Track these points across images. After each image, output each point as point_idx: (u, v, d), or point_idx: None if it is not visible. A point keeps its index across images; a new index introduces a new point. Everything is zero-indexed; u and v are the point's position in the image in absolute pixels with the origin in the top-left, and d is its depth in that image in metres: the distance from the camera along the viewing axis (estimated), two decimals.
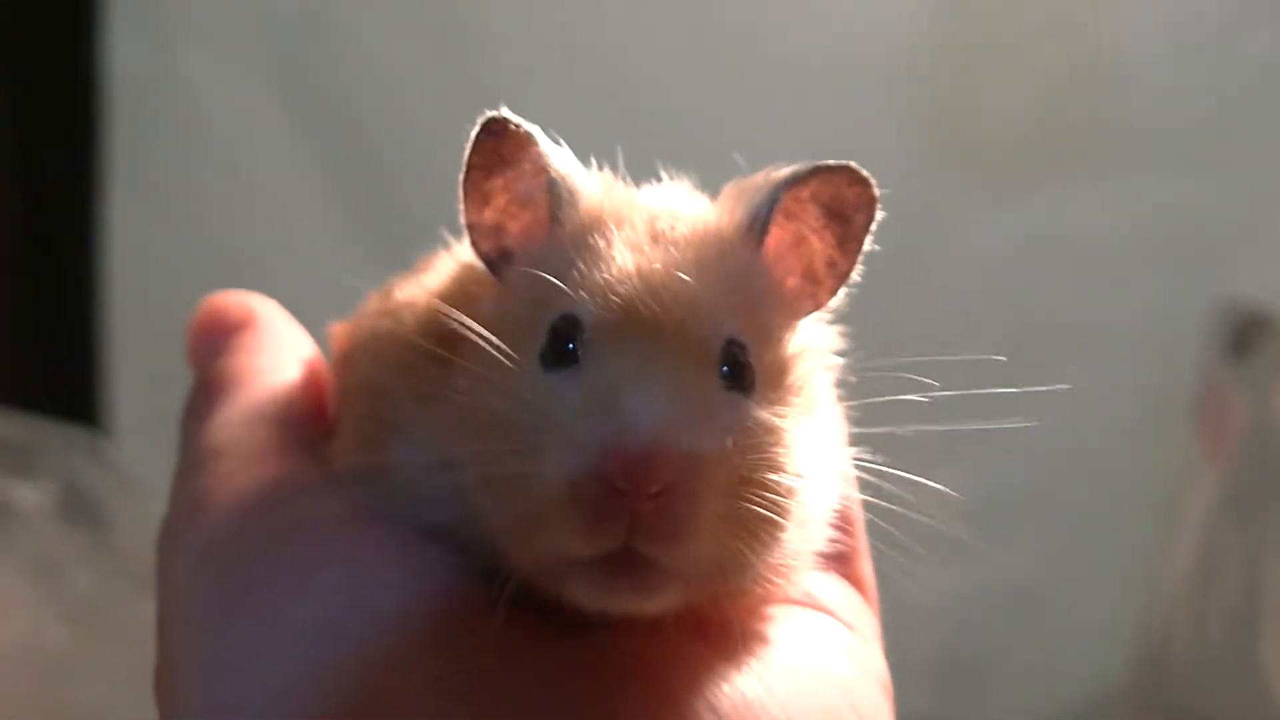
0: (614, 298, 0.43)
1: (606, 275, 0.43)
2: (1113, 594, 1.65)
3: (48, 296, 1.69)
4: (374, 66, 1.64)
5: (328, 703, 0.40)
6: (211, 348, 0.55)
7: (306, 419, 0.51)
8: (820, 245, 0.48)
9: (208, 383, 0.53)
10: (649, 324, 0.42)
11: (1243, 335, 1.20)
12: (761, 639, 0.45)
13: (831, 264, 0.48)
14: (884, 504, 0.49)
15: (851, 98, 1.62)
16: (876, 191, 0.47)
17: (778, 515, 0.42)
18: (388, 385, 0.48)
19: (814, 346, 0.49)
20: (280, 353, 0.54)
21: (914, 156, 1.64)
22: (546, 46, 1.58)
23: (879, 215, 0.47)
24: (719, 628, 0.44)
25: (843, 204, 0.47)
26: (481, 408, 0.43)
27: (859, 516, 0.51)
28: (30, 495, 1.18)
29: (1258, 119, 1.64)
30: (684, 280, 0.43)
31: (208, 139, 1.68)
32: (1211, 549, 1.15)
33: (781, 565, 0.45)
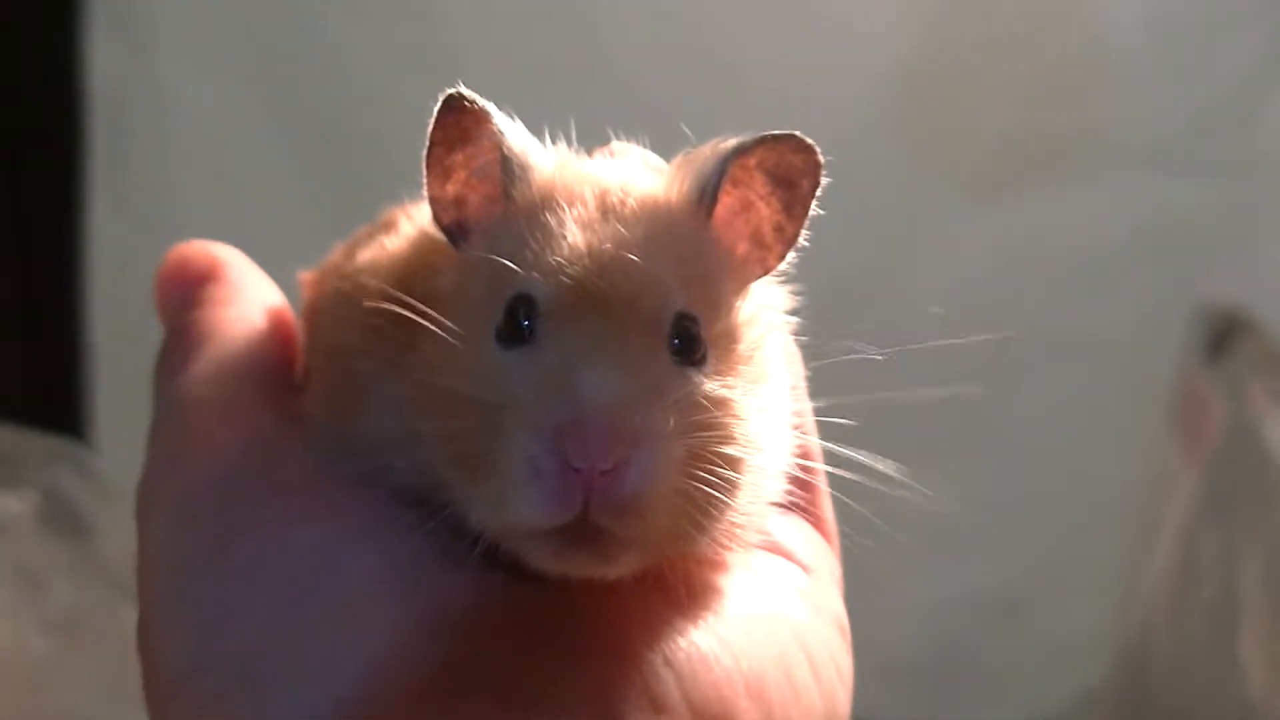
0: (565, 277, 0.44)
1: (558, 254, 0.44)
2: (1094, 597, 1.66)
3: (29, 304, 1.68)
4: (354, 71, 1.65)
5: (307, 659, 0.42)
6: (179, 300, 0.55)
7: (277, 371, 0.52)
8: (768, 211, 0.49)
9: (178, 336, 0.53)
10: (600, 302, 0.43)
11: (1221, 336, 1.20)
12: (716, 591, 0.47)
13: (779, 229, 0.49)
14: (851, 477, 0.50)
15: (835, 104, 1.62)
16: (821, 158, 0.47)
17: (729, 486, 0.44)
18: (353, 352, 0.49)
19: (765, 310, 0.50)
20: (248, 303, 0.54)
21: (897, 162, 1.64)
22: (528, 47, 1.59)
23: (824, 180, 0.48)
24: (675, 583, 0.45)
25: (788, 170, 0.48)
26: (441, 384, 0.44)
27: (818, 458, 0.52)
28: (12, 504, 1.18)
29: (1238, 122, 1.64)
30: (633, 258, 0.44)
31: (190, 147, 1.68)
32: (1190, 549, 1.16)
33: (735, 526, 0.47)
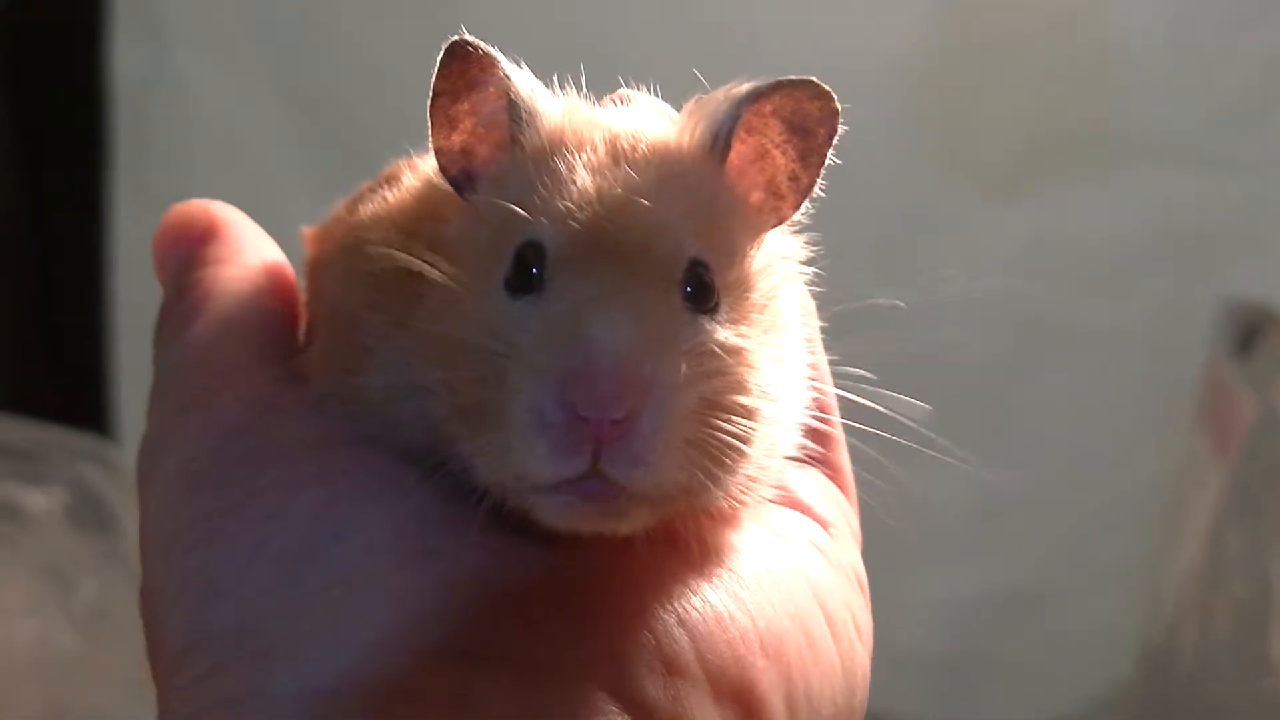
0: (574, 223, 0.43)
1: (567, 200, 0.43)
2: (1118, 594, 1.65)
3: (53, 302, 1.69)
4: (376, 69, 1.64)
5: (311, 628, 0.41)
6: (179, 260, 0.54)
7: (280, 330, 0.51)
8: (783, 159, 0.48)
9: (178, 296, 0.52)
10: (610, 248, 0.42)
11: (1248, 333, 1.19)
12: (731, 548, 0.46)
13: (794, 178, 0.48)
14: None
15: (850, 102, 1.61)
16: (838, 105, 0.47)
17: (742, 437, 0.43)
18: (358, 307, 0.47)
19: (779, 259, 0.49)
20: (248, 261, 0.53)
21: (914, 160, 1.63)
22: (538, 44, 1.58)
23: (841, 129, 0.47)
24: (689, 540, 0.44)
25: (805, 118, 0.47)
26: (448, 335, 0.43)
27: (835, 410, 0.51)
28: (39, 501, 1.18)
29: (1259, 117, 1.63)
30: (644, 203, 0.43)
31: (212, 143, 1.68)
32: (1218, 547, 1.15)
33: (749, 479, 0.45)
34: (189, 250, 0.54)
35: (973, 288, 1.65)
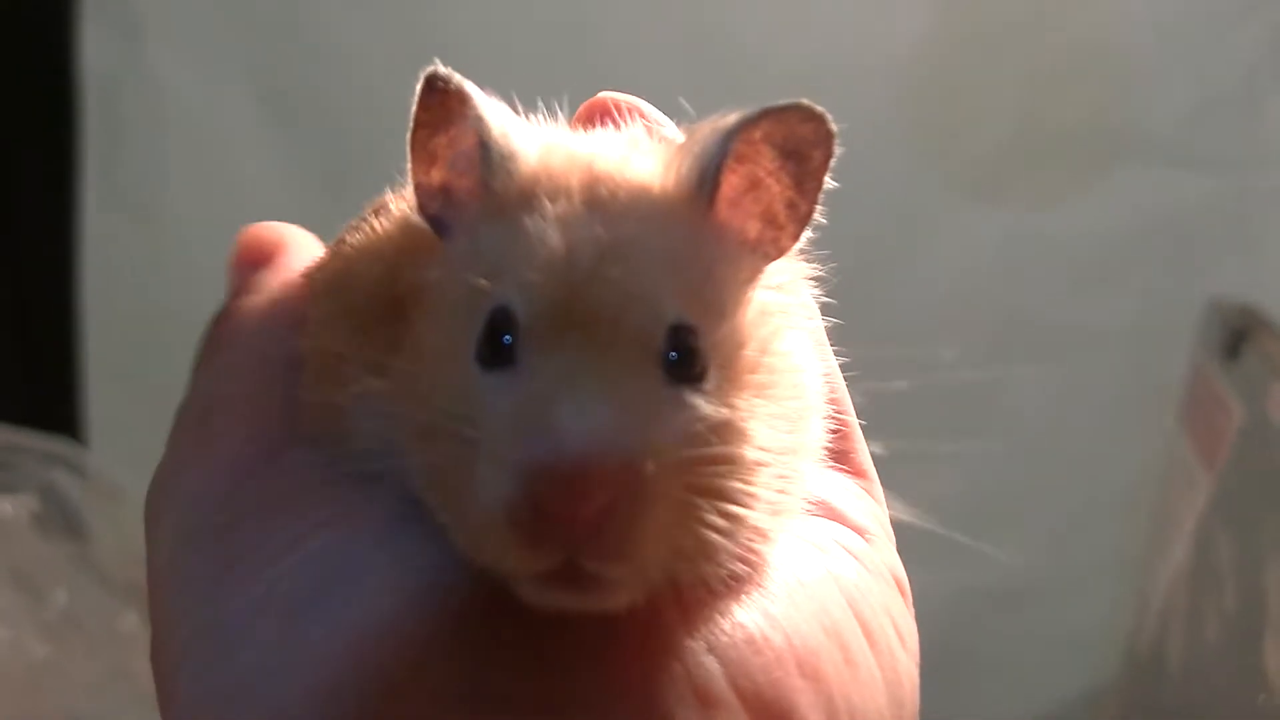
0: (545, 289, 0.39)
1: (537, 263, 0.40)
2: (1103, 593, 1.65)
3: (22, 304, 1.67)
4: (348, 61, 1.63)
5: (320, 680, 0.39)
6: (231, 285, 0.52)
7: (298, 363, 0.48)
8: (778, 188, 0.44)
9: (217, 323, 0.50)
10: (583, 318, 0.39)
11: (1236, 336, 1.18)
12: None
13: (792, 206, 0.44)
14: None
15: (837, 99, 1.60)
16: (832, 127, 0.43)
17: (733, 522, 0.40)
18: (340, 347, 0.45)
19: (779, 297, 0.46)
20: (288, 290, 0.51)
21: (901, 159, 1.63)
22: (526, 43, 1.57)
23: (837, 151, 0.44)
24: None
25: (798, 142, 0.44)
26: (419, 405, 0.41)
27: (851, 410, 0.49)
28: (7, 508, 1.17)
29: (1245, 114, 1.64)
30: (622, 264, 0.40)
31: (183, 138, 1.66)
32: (1206, 552, 1.14)
33: (752, 542, 0.42)
34: (243, 275, 0.52)
35: (958, 285, 1.65)
